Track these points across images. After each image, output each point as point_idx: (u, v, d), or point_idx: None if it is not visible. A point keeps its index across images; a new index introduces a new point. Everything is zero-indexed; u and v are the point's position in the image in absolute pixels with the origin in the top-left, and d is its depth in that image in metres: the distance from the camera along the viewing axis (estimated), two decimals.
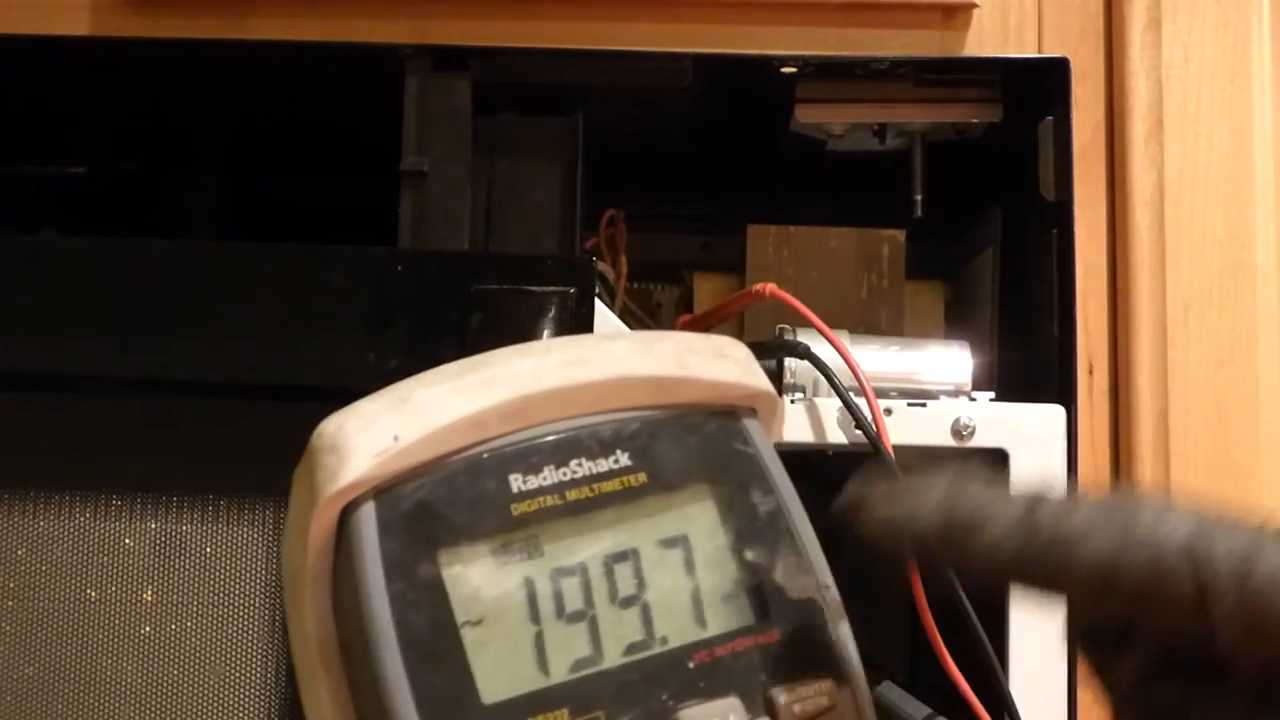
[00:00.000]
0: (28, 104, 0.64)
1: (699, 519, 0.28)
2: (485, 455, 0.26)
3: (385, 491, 0.26)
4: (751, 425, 0.29)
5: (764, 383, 0.29)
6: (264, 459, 0.50)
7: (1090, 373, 0.58)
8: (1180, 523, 0.24)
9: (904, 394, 0.57)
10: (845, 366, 0.55)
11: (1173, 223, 0.58)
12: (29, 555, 0.49)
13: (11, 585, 0.49)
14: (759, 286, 0.59)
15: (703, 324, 0.66)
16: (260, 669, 0.48)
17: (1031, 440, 0.54)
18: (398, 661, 0.24)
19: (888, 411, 0.54)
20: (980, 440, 0.54)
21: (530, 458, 0.27)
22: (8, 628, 0.48)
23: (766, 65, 0.58)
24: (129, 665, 0.48)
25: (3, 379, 0.49)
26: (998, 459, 0.54)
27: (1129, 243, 0.58)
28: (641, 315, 0.72)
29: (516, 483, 0.27)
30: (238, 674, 0.48)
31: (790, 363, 0.56)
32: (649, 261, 0.72)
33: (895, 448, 0.53)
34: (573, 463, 0.27)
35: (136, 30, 0.60)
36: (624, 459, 0.27)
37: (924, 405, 0.55)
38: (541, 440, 0.27)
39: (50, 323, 0.49)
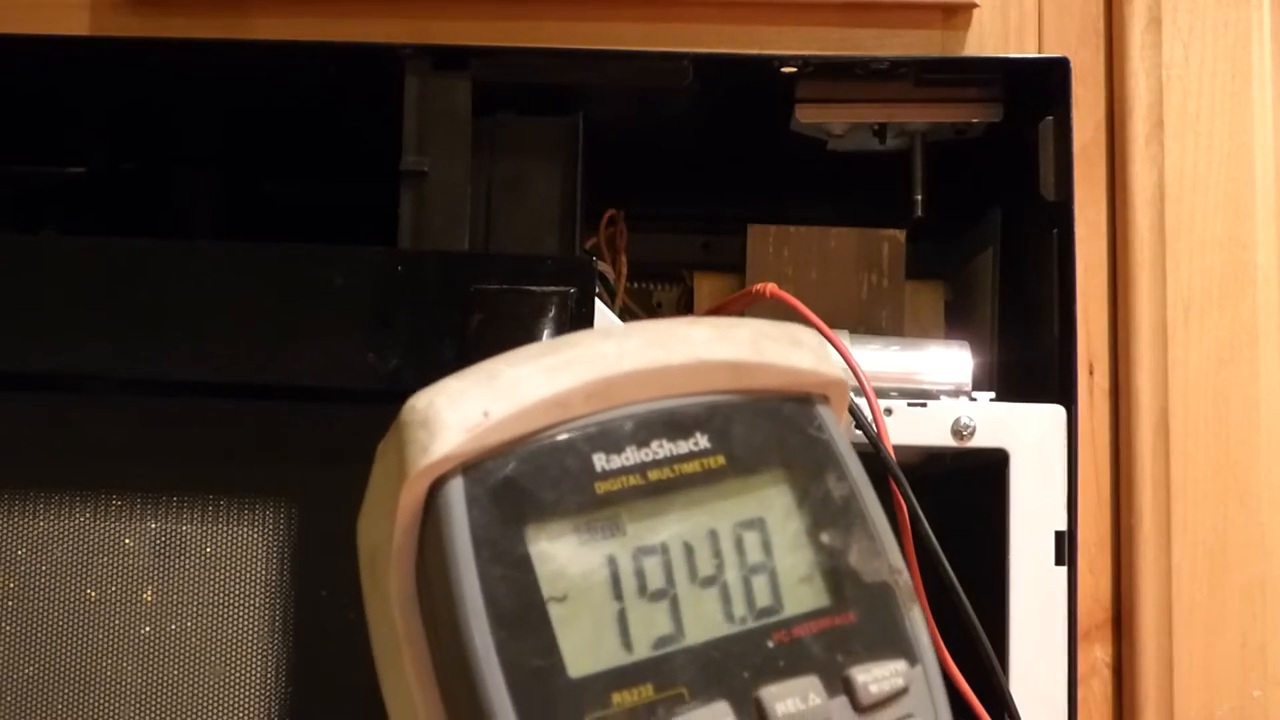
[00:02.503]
0: (28, 104, 0.64)
1: (776, 502, 0.28)
2: (570, 434, 0.27)
3: (474, 467, 0.26)
4: (824, 412, 0.29)
5: (836, 370, 0.30)
6: (264, 459, 0.50)
7: (1090, 373, 0.58)
8: None
9: (904, 394, 0.57)
10: (845, 366, 0.55)
11: (1173, 223, 0.58)
12: (29, 555, 0.49)
13: (11, 585, 0.49)
14: (759, 286, 0.59)
15: None
16: (260, 669, 0.48)
17: (1031, 440, 0.54)
18: (487, 635, 0.25)
19: (888, 411, 0.54)
20: (980, 440, 0.54)
21: (613, 437, 0.27)
22: (8, 628, 0.48)
23: (766, 65, 0.58)
24: (129, 665, 0.48)
25: (3, 379, 0.49)
26: (998, 459, 0.54)
27: (1129, 243, 0.58)
28: (641, 315, 0.72)
29: (600, 462, 0.27)
30: (238, 674, 0.48)
31: None
32: (649, 261, 0.72)
33: (895, 448, 0.53)
34: (654, 443, 0.27)
35: (136, 30, 0.60)
36: (703, 441, 0.28)
37: (924, 405, 0.55)
38: (623, 421, 0.27)
39: (50, 323, 0.49)
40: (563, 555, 0.26)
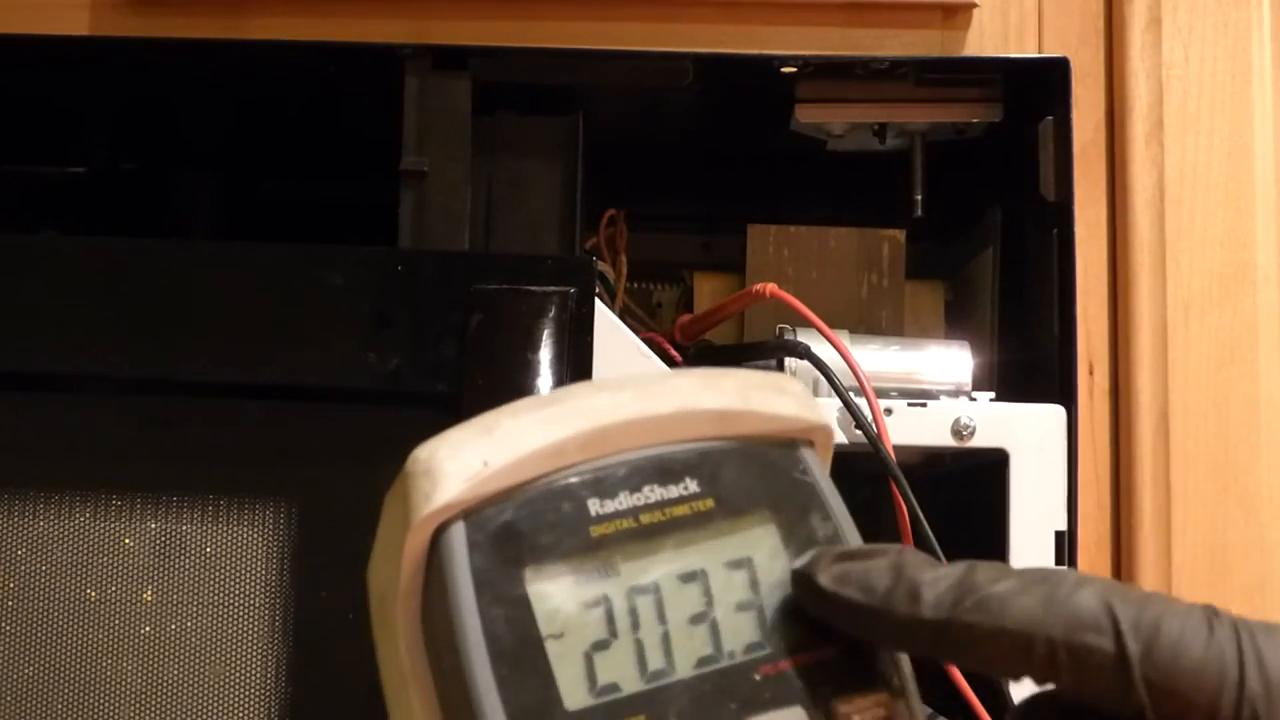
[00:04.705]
0: (28, 104, 0.64)
1: (763, 542, 0.30)
2: (565, 481, 0.28)
3: (475, 513, 0.27)
4: (809, 455, 0.31)
5: (820, 416, 0.31)
6: (264, 459, 0.50)
7: (1090, 373, 0.58)
8: (1094, 590, 0.26)
9: (904, 394, 0.57)
10: (845, 366, 0.55)
11: (1173, 223, 0.58)
12: (29, 555, 0.49)
13: (11, 585, 0.49)
14: (759, 286, 0.59)
15: (703, 324, 0.66)
16: (260, 669, 0.48)
17: (1031, 440, 0.54)
18: (487, 670, 0.26)
19: (888, 411, 0.54)
20: (980, 440, 0.54)
21: (607, 484, 0.29)
22: (8, 628, 0.48)
23: (766, 65, 0.58)
24: (129, 665, 0.48)
25: (3, 379, 0.49)
26: (998, 459, 0.54)
27: (1129, 243, 0.58)
28: (641, 315, 0.72)
29: (594, 507, 0.28)
30: (238, 674, 0.48)
31: (790, 363, 0.56)
32: (649, 261, 0.72)
33: (895, 448, 0.53)
34: (645, 489, 0.29)
35: (136, 30, 0.60)
36: (693, 486, 0.29)
37: (924, 405, 0.55)
38: (616, 468, 0.29)
39: (50, 323, 0.49)
40: (559, 595, 0.27)
